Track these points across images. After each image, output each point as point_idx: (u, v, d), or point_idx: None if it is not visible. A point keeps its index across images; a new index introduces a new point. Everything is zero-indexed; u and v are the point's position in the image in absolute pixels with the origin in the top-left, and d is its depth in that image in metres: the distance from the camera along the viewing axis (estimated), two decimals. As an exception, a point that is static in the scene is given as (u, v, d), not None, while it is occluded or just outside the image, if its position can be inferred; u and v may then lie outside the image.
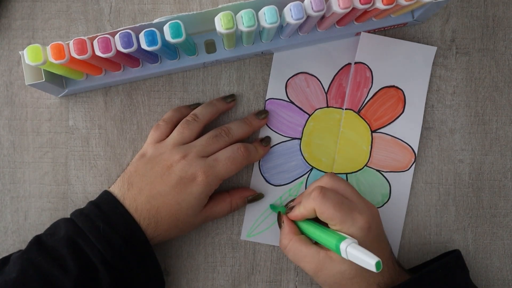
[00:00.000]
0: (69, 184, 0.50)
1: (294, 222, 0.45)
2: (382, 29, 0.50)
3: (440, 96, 0.51)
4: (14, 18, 0.51)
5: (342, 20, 0.46)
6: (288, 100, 0.50)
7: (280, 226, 0.46)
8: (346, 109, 0.50)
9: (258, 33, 0.47)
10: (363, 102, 0.50)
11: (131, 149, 0.50)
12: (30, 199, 0.50)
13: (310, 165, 0.50)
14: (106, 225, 0.41)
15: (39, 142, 0.50)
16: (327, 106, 0.50)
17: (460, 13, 0.51)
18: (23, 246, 0.50)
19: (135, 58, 0.46)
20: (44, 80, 0.43)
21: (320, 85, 0.50)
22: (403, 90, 0.50)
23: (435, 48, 0.50)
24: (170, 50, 0.45)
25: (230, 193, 0.48)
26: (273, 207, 0.49)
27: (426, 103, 0.51)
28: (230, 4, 0.41)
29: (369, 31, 0.50)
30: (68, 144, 0.50)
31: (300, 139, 0.50)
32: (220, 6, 0.41)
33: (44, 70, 0.43)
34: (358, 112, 0.50)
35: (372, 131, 0.50)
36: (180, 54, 0.48)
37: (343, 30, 0.48)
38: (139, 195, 0.43)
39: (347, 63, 0.50)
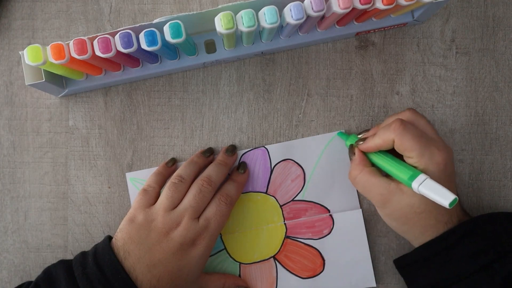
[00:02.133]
0: (69, 184, 0.50)
1: (365, 154, 0.46)
2: (382, 29, 0.50)
3: (440, 96, 0.51)
4: (14, 18, 0.51)
5: (342, 20, 0.46)
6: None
7: (350, 158, 0.47)
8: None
9: (258, 33, 0.47)
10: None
11: (131, 149, 0.50)
12: (30, 199, 0.50)
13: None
14: None
15: (39, 142, 0.50)
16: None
17: (460, 13, 0.51)
18: (23, 246, 0.50)
19: (135, 58, 0.46)
20: (44, 80, 0.43)
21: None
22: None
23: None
24: (170, 50, 0.45)
25: (226, 275, 0.49)
26: (341, 134, 0.49)
27: (426, 103, 0.51)
28: (230, 4, 0.41)
29: (368, 31, 0.50)
30: (68, 144, 0.50)
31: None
32: (220, 6, 0.41)
33: (44, 70, 0.43)
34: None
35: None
36: (180, 54, 0.48)
37: (343, 30, 0.49)
38: (138, 264, 0.43)
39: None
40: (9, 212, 0.50)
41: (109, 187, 0.50)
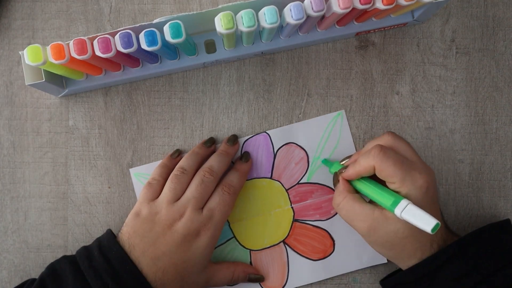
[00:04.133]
0: (69, 184, 0.50)
1: (348, 182, 0.46)
2: (382, 29, 0.50)
3: (440, 96, 0.51)
4: (14, 18, 0.51)
5: (342, 20, 0.46)
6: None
7: (334, 185, 0.47)
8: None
9: (258, 33, 0.47)
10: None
11: (131, 149, 0.50)
12: (30, 199, 0.50)
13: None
14: (116, 285, 0.41)
15: (39, 142, 0.50)
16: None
17: (460, 13, 0.51)
18: (23, 246, 0.50)
19: (135, 58, 0.46)
20: (44, 80, 0.43)
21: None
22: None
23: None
24: (170, 50, 0.45)
25: (235, 264, 0.48)
26: (326, 161, 0.50)
27: (426, 103, 0.51)
28: (230, 4, 0.41)
29: (368, 31, 0.50)
30: (68, 144, 0.50)
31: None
32: (220, 6, 0.41)
33: (44, 70, 0.43)
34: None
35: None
36: (180, 54, 0.48)
37: (343, 30, 0.49)
38: (143, 257, 0.43)
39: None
40: (9, 212, 0.50)
41: (109, 187, 0.50)
